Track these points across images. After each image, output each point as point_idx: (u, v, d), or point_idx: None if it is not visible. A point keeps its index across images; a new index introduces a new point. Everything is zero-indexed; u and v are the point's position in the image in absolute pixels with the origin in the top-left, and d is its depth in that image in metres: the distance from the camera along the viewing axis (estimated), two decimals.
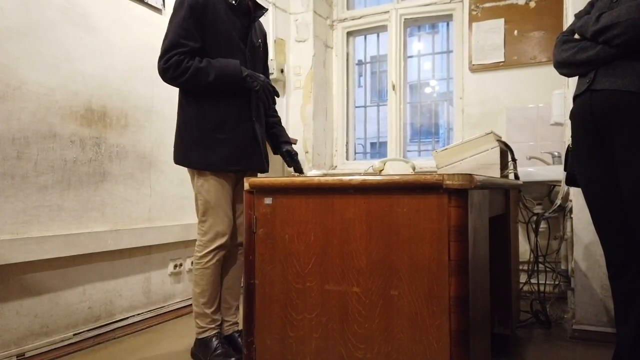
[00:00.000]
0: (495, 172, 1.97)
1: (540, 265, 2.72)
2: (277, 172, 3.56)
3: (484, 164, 1.99)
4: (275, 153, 2.23)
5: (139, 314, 2.51)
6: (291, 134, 3.89)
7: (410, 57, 4.18)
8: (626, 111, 1.51)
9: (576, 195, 2.28)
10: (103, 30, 2.33)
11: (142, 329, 2.49)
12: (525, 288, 2.76)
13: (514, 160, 2.22)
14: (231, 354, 1.91)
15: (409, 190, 1.22)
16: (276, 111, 2.26)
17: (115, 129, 2.39)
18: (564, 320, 2.55)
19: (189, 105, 1.93)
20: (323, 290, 1.33)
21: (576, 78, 1.72)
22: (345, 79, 4.24)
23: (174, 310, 2.73)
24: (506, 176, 2.15)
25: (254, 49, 2.05)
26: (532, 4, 3.36)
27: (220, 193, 1.93)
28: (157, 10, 2.65)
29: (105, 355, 2.13)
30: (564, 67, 1.71)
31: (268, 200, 1.42)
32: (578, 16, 1.71)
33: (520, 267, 2.74)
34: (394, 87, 3.95)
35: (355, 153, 4.42)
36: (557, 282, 2.96)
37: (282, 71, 3.82)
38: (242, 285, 1.67)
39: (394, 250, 1.24)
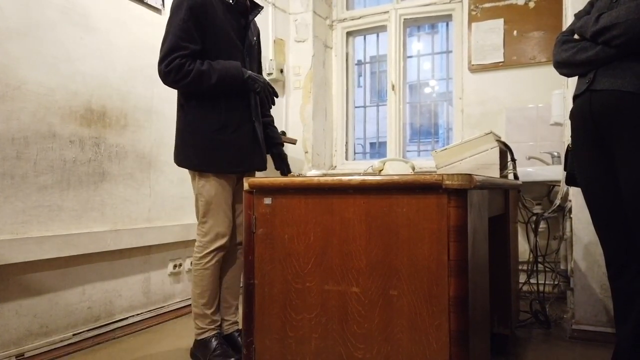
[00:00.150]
0: (494, 172, 1.97)
1: (540, 265, 2.72)
2: (276, 172, 3.55)
3: (483, 164, 1.99)
4: (267, 152, 2.24)
5: (138, 314, 2.51)
6: (291, 134, 3.89)
7: (410, 57, 4.18)
8: (625, 111, 1.51)
9: (575, 195, 2.28)
10: (103, 30, 2.34)
11: (142, 329, 2.49)
12: (525, 288, 2.76)
13: (513, 160, 2.23)
14: (230, 354, 1.91)
15: (409, 191, 1.23)
16: (269, 110, 2.26)
17: (114, 129, 2.39)
18: (563, 320, 2.55)
19: (190, 107, 1.92)
20: (322, 290, 1.33)
21: (576, 78, 1.72)
22: (345, 79, 4.24)
23: (173, 310, 2.73)
24: (506, 176, 2.15)
25: (251, 48, 2.06)
26: (532, 4, 3.37)
27: (221, 194, 1.93)
28: (156, 10, 2.65)
29: (105, 356, 2.13)
30: (564, 67, 1.71)
31: (267, 200, 1.42)
32: (578, 16, 1.71)
33: (520, 267, 2.75)
34: (393, 87, 3.95)
35: (355, 153, 4.42)
36: (556, 282, 2.96)
37: (281, 71, 3.82)
38: (241, 284, 1.67)
39: (394, 250, 1.24)
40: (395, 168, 2.86)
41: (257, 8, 2.06)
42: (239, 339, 1.99)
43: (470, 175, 1.17)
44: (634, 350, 1.59)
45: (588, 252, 2.27)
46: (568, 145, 1.85)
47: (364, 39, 4.36)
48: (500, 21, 3.45)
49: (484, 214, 1.47)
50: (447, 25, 4.05)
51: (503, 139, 2.27)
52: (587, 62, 1.59)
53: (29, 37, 2.00)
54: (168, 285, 2.73)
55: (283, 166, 2.22)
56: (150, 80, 2.59)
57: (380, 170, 2.84)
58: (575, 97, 1.70)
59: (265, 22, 3.69)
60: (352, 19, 4.15)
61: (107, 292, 2.35)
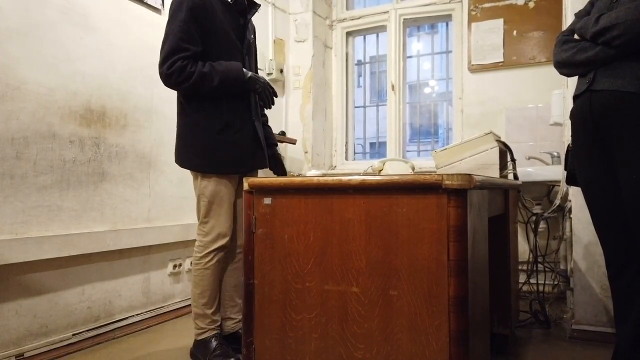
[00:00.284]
0: (494, 172, 1.97)
1: (540, 265, 2.72)
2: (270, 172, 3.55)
3: (483, 164, 2.00)
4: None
5: (138, 314, 2.51)
6: (290, 134, 3.89)
7: (410, 57, 4.18)
8: (625, 111, 1.51)
9: (575, 195, 2.28)
10: (103, 30, 2.33)
11: (142, 329, 2.49)
12: (525, 288, 2.77)
13: (513, 160, 2.23)
14: (230, 354, 1.91)
15: (408, 191, 1.23)
16: (264, 110, 2.27)
17: (114, 129, 2.39)
18: (563, 320, 2.55)
19: (192, 108, 1.92)
20: (322, 291, 1.33)
21: (575, 78, 1.72)
22: (345, 79, 4.24)
23: (173, 310, 2.73)
24: (505, 176, 2.15)
25: (249, 47, 2.07)
26: (531, 4, 3.37)
27: (224, 194, 1.94)
28: (156, 10, 2.65)
29: (105, 356, 2.12)
30: (564, 67, 1.72)
31: (267, 200, 1.42)
32: (578, 15, 1.71)
33: (520, 267, 2.75)
34: (393, 87, 3.95)
35: (355, 153, 4.42)
36: (556, 282, 2.96)
37: (281, 71, 3.82)
38: None
39: (393, 250, 1.24)
40: (395, 168, 2.86)
41: (255, 7, 2.07)
42: None
43: (470, 175, 1.17)
44: (634, 350, 1.59)
45: (588, 252, 2.27)
46: (568, 145, 1.85)
47: (364, 39, 4.36)
48: (500, 21, 3.45)
49: (483, 214, 1.47)
50: (447, 25, 4.06)
51: (503, 139, 2.27)
52: (587, 63, 1.60)
53: (28, 37, 2.00)
54: (168, 285, 2.73)
55: (278, 167, 2.23)
56: (150, 80, 2.59)
57: (380, 170, 2.84)
58: (575, 97, 1.70)
59: (265, 22, 3.69)
60: (352, 19, 4.15)
61: (107, 292, 2.35)
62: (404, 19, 3.95)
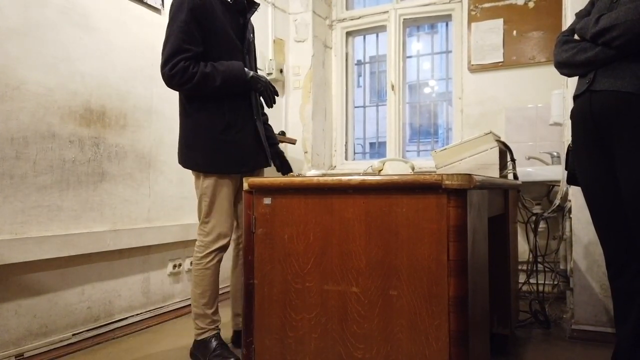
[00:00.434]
0: (494, 172, 1.97)
1: (539, 265, 2.72)
2: (275, 171, 3.55)
3: (483, 164, 2.00)
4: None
5: (138, 314, 2.51)
6: (290, 134, 3.89)
7: (410, 57, 4.18)
8: (625, 111, 1.51)
9: (575, 195, 2.28)
10: (102, 30, 2.33)
11: (142, 329, 2.49)
12: (525, 288, 2.76)
13: (513, 160, 2.23)
14: (230, 354, 1.91)
15: (408, 191, 1.23)
16: (263, 107, 2.27)
17: (114, 129, 2.39)
18: (563, 320, 2.55)
19: (194, 109, 1.93)
20: (322, 290, 1.33)
21: (575, 78, 1.73)
22: (345, 79, 4.24)
23: (173, 310, 2.73)
24: (505, 176, 2.15)
25: (249, 47, 2.07)
26: (531, 4, 3.37)
27: (225, 194, 1.94)
28: (156, 10, 2.65)
29: (105, 356, 2.12)
30: (564, 68, 1.72)
31: (267, 200, 1.42)
32: (579, 15, 1.72)
33: (520, 267, 2.75)
34: (393, 87, 3.95)
35: (355, 153, 4.42)
36: (556, 282, 2.96)
37: (281, 71, 3.82)
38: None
39: (393, 250, 1.24)
40: (394, 168, 2.86)
41: (254, 6, 2.07)
42: None
43: (469, 175, 1.17)
44: (634, 350, 1.59)
45: (588, 252, 2.28)
46: (569, 145, 1.85)
47: (364, 39, 4.36)
48: (500, 21, 3.45)
49: (483, 214, 1.47)
50: (447, 25, 4.06)
51: (502, 139, 2.27)
52: (587, 63, 1.60)
53: (28, 37, 1.99)
54: (167, 285, 2.73)
55: (283, 165, 2.24)
56: (150, 80, 2.59)
57: (380, 170, 2.84)
58: (575, 97, 1.70)
59: (264, 22, 3.69)
60: (352, 19, 4.15)
61: (107, 292, 2.35)
62: (404, 19, 3.95)
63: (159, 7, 2.66)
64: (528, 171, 2.79)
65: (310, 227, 1.35)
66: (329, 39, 4.20)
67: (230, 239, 1.97)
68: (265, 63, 3.70)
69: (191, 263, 2.85)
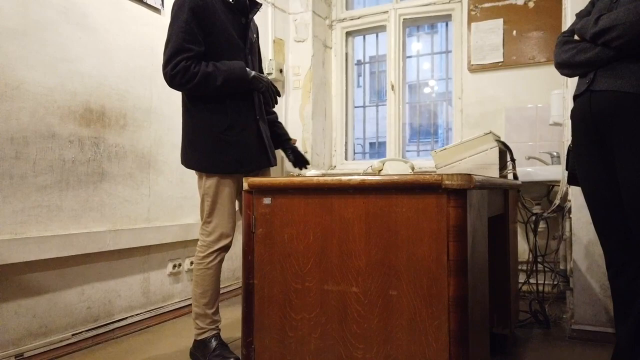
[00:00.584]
0: (494, 172, 1.97)
1: (539, 265, 2.72)
2: (275, 171, 3.55)
3: (482, 164, 2.00)
4: (276, 148, 2.26)
5: (137, 314, 2.51)
6: (290, 134, 3.87)
7: (409, 57, 4.18)
8: (624, 112, 1.51)
9: (575, 195, 2.28)
10: (102, 30, 2.33)
11: (141, 329, 2.49)
12: (524, 288, 2.77)
13: (512, 160, 2.23)
14: (230, 354, 1.91)
15: (408, 190, 1.23)
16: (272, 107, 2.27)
17: (114, 129, 2.39)
18: (562, 320, 2.55)
19: (196, 109, 1.93)
20: (322, 291, 1.33)
21: (575, 78, 1.73)
22: (344, 79, 4.24)
23: (173, 310, 2.73)
24: (505, 176, 2.16)
25: (251, 47, 2.07)
26: (531, 4, 3.37)
27: (227, 194, 1.94)
28: (155, 10, 2.65)
29: (104, 356, 2.12)
30: (564, 68, 1.72)
31: (267, 200, 1.42)
32: (579, 16, 1.72)
33: (519, 267, 2.75)
34: (392, 87, 3.95)
35: (354, 153, 4.42)
36: (556, 282, 2.96)
37: (280, 71, 3.82)
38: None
39: (393, 250, 1.24)
40: (394, 168, 2.86)
41: (257, 6, 2.07)
42: None
43: (469, 175, 1.17)
44: (634, 350, 1.59)
45: (587, 252, 2.28)
46: (569, 145, 1.85)
47: (364, 38, 4.36)
48: (500, 21, 3.45)
49: (483, 213, 1.47)
50: (447, 25, 4.05)
51: (502, 139, 2.27)
52: (586, 63, 1.60)
53: (27, 37, 1.99)
54: (167, 286, 2.73)
55: (300, 159, 2.23)
56: (150, 80, 2.59)
57: (380, 170, 2.84)
58: (575, 97, 1.71)
59: (264, 22, 3.69)
60: (352, 19, 4.15)
61: (107, 292, 2.35)
62: (404, 19, 3.95)
63: (159, 6, 2.66)
64: (528, 171, 2.80)
65: (310, 227, 1.35)
66: (328, 39, 4.20)
67: (232, 239, 1.97)
68: (265, 63, 3.70)
69: (191, 263, 2.85)
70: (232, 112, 1.92)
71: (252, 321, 1.44)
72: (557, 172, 2.73)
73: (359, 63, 4.47)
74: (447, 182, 1.17)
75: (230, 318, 2.47)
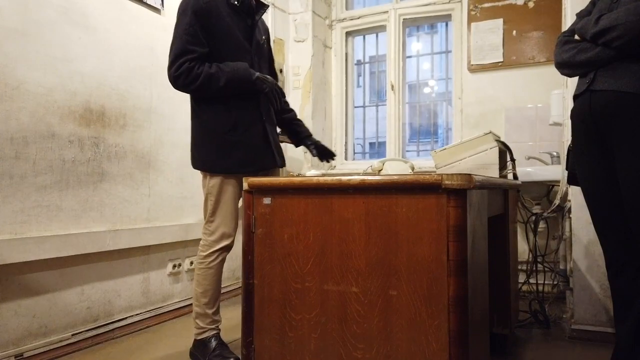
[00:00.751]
0: (494, 172, 1.97)
1: (539, 265, 2.72)
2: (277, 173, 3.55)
3: (482, 164, 2.00)
4: (297, 146, 2.28)
5: (137, 314, 2.51)
6: None
7: (409, 57, 4.18)
8: (624, 111, 1.51)
9: (575, 195, 2.28)
10: (102, 30, 2.33)
11: (141, 329, 2.49)
12: (524, 288, 2.76)
13: (512, 160, 2.23)
14: (230, 354, 1.91)
15: (408, 190, 1.22)
16: (288, 104, 2.30)
17: (113, 129, 2.39)
18: (562, 320, 2.55)
19: (201, 110, 1.95)
20: (322, 290, 1.33)
21: (575, 78, 1.73)
22: (344, 79, 4.24)
23: (172, 310, 2.73)
24: (505, 176, 2.15)
25: (259, 48, 2.07)
26: (531, 4, 3.37)
27: (230, 194, 1.95)
28: (155, 10, 2.65)
29: (104, 356, 2.12)
30: (565, 68, 1.72)
31: (267, 200, 1.42)
32: (580, 15, 1.72)
33: (519, 267, 2.74)
34: (392, 87, 3.95)
35: (354, 153, 4.42)
36: (555, 282, 2.96)
37: (280, 71, 3.82)
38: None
39: (393, 250, 1.24)
40: (394, 168, 2.86)
41: (263, 7, 2.08)
42: None
43: (469, 175, 1.17)
44: (634, 350, 1.59)
45: (587, 252, 2.28)
46: (569, 145, 1.85)
47: (364, 38, 4.36)
48: (500, 21, 3.45)
49: (483, 213, 1.47)
50: (447, 25, 4.06)
51: (502, 139, 2.27)
52: (587, 63, 1.60)
53: (27, 37, 1.99)
54: (167, 286, 2.73)
55: (325, 152, 2.22)
56: (149, 79, 2.59)
57: (380, 170, 2.84)
58: (575, 97, 1.71)
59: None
60: (352, 19, 4.15)
61: (106, 292, 2.35)
62: (404, 19, 3.95)
63: (159, 6, 2.66)
64: (528, 171, 2.79)
65: (310, 227, 1.35)
66: (328, 39, 4.20)
67: (233, 239, 1.97)
68: None
69: (191, 263, 2.85)
70: (236, 113, 1.93)
71: (252, 321, 1.44)
72: (557, 172, 2.73)
73: (358, 63, 4.47)
74: (447, 182, 1.17)
75: (230, 318, 2.46)
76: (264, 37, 2.12)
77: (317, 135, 3.97)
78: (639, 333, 1.58)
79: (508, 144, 2.23)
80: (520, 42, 3.39)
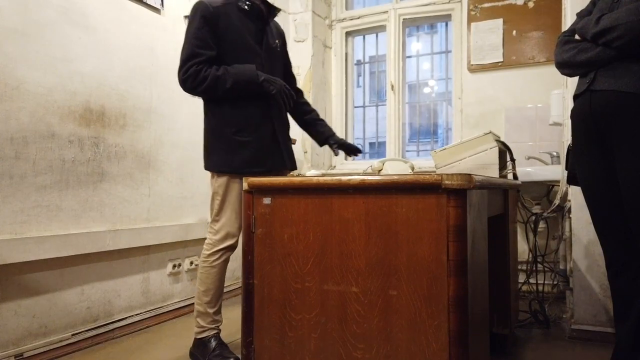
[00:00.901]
0: (494, 172, 1.97)
1: (539, 265, 2.72)
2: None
3: (482, 164, 2.00)
4: (321, 145, 2.30)
5: (137, 314, 2.51)
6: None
7: (409, 57, 4.18)
8: (625, 111, 1.51)
9: (575, 195, 2.28)
10: (101, 30, 2.33)
11: (141, 329, 2.49)
12: (524, 288, 2.77)
13: (512, 160, 2.23)
14: (230, 354, 1.91)
15: (408, 190, 1.22)
16: (310, 105, 2.32)
17: (113, 129, 2.39)
18: (562, 320, 2.55)
19: (211, 111, 1.99)
20: (322, 290, 1.33)
21: (575, 78, 1.73)
22: (344, 79, 4.24)
23: (172, 310, 2.73)
24: (505, 176, 2.15)
25: (271, 51, 2.07)
26: (531, 4, 3.37)
27: (236, 194, 1.95)
28: (155, 10, 2.65)
29: (104, 356, 2.12)
30: (565, 68, 1.72)
31: (267, 200, 1.42)
32: (580, 15, 1.72)
33: (519, 267, 2.75)
34: (392, 87, 3.95)
35: None
36: (555, 282, 2.96)
37: None
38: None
39: (393, 250, 1.24)
40: (394, 168, 2.86)
41: (275, 11, 2.10)
42: None
43: (469, 175, 1.17)
44: (634, 350, 1.59)
45: (587, 252, 2.28)
46: (569, 145, 1.85)
47: (363, 38, 4.36)
48: (500, 21, 3.45)
49: (483, 213, 1.47)
50: (447, 25, 4.06)
51: (502, 139, 2.27)
52: (587, 63, 1.60)
53: (27, 37, 1.99)
54: (167, 286, 2.73)
55: (350, 149, 2.24)
56: (150, 80, 2.59)
57: (380, 170, 2.84)
58: (575, 97, 1.71)
59: None
60: (352, 19, 4.15)
61: (106, 292, 2.35)
62: (404, 19, 3.95)
63: (159, 6, 2.66)
64: (528, 171, 2.80)
65: (309, 227, 1.35)
66: (328, 39, 4.20)
67: (237, 239, 1.98)
68: None
69: (191, 263, 2.85)
70: (245, 114, 1.95)
71: (252, 321, 1.43)
72: (557, 172, 2.73)
73: (358, 63, 4.46)
74: (447, 182, 1.17)
75: (230, 318, 2.46)
76: (277, 41, 2.13)
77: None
78: (639, 333, 1.58)
79: (508, 144, 2.23)
80: (520, 42, 3.39)
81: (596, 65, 1.58)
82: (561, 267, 2.86)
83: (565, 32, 1.78)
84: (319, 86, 4.04)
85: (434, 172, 2.17)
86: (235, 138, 1.94)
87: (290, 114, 2.27)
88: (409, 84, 4.34)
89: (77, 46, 2.21)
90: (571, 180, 1.85)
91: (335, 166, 4.19)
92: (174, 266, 2.76)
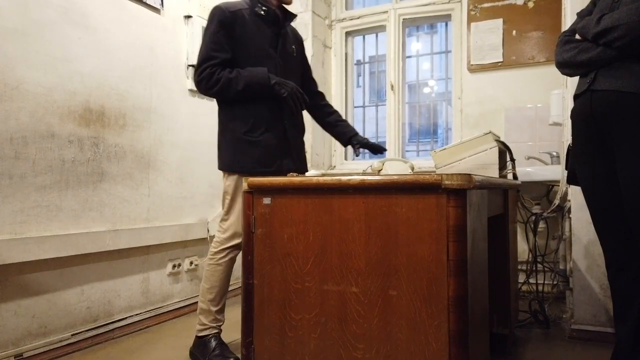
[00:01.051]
0: (493, 172, 1.97)
1: (539, 265, 2.72)
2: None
3: (482, 164, 1.99)
4: (345, 146, 2.34)
5: (137, 314, 2.51)
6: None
7: (409, 57, 4.18)
8: (625, 111, 1.51)
9: (575, 195, 2.28)
10: (101, 30, 2.33)
11: (141, 329, 2.49)
12: (524, 288, 2.76)
13: (512, 160, 2.23)
14: (230, 354, 1.91)
15: (408, 190, 1.22)
16: (331, 106, 2.35)
17: (113, 129, 2.38)
18: (562, 320, 2.55)
19: (223, 112, 2.04)
20: (322, 290, 1.33)
21: (575, 78, 1.73)
22: (344, 79, 4.24)
23: (172, 310, 2.73)
24: (505, 176, 2.15)
25: (287, 56, 2.09)
26: (531, 4, 3.37)
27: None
28: (155, 10, 2.65)
29: (104, 356, 2.12)
30: (566, 68, 1.72)
31: (267, 200, 1.42)
32: (580, 15, 1.72)
33: (519, 267, 2.75)
34: (392, 87, 3.95)
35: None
36: (555, 282, 2.96)
37: None
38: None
39: (393, 250, 1.24)
40: (394, 168, 2.85)
41: (291, 17, 2.12)
42: None
43: (469, 175, 1.17)
44: (634, 350, 1.59)
45: (587, 252, 2.28)
46: (569, 145, 1.85)
47: (363, 38, 4.36)
48: (499, 21, 3.45)
49: (483, 213, 1.47)
50: (446, 25, 4.05)
51: (502, 139, 2.27)
52: (588, 63, 1.60)
53: (27, 37, 1.99)
54: (167, 286, 2.73)
55: (374, 148, 2.28)
56: (149, 80, 2.59)
57: (380, 170, 2.84)
58: (575, 97, 1.71)
59: None
60: (351, 19, 4.15)
61: (106, 292, 2.35)
62: (403, 19, 3.94)
63: (158, 6, 2.66)
64: (527, 171, 2.79)
65: (309, 227, 1.35)
66: (328, 39, 4.20)
67: None
68: None
69: (191, 263, 2.85)
70: (256, 115, 1.98)
71: (252, 321, 1.43)
72: (557, 172, 2.73)
73: (358, 63, 4.46)
74: (446, 182, 1.17)
75: (230, 318, 2.46)
76: (293, 46, 2.15)
77: (317, 135, 3.98)
78: (639, 333, 1.58)
79: (508, 144, 2.23)
80: (520, 42, 3.39)
81: (597, 65, 1.58)
82: (561, 267, 2.86)
83: (565, 31, 1.78)
84: (319, 86, 4.03)
85: (434, 172, 2.17)
86: (245, 138, 1.96)
87: (312, 117, 2.32)
88: (409, 84, 4.34)
89: (77, 46, 2.21)
90: (571, 180, 1.85)
91: (335, 166, 4.19)
92: (174, 266, 2.76)
